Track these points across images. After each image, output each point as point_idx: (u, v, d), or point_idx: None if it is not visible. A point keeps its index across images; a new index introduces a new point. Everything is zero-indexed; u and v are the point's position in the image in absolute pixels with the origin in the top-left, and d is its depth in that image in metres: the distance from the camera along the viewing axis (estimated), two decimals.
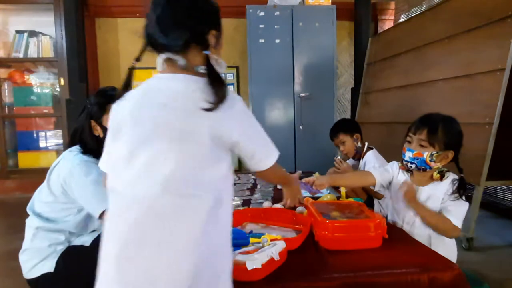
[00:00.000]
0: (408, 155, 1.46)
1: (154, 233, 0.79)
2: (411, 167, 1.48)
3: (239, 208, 1.76)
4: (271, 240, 1.16)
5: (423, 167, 1.44)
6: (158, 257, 0.78)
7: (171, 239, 0.79)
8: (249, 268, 0.97)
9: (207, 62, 0.86)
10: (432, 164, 1.42)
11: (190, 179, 0.81)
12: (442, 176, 1.45)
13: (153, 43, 0.87)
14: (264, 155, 0.94)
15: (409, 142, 1.47)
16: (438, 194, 1.44)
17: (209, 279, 0.82)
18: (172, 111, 0.82)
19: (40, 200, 1.43)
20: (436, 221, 1.40)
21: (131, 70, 0.91)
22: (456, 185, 1.42)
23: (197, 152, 0.81)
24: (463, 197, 1.41)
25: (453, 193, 1.41)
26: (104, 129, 1.47)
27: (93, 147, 1.46)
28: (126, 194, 0.82)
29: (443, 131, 1.40)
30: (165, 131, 0.81)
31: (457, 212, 1.39)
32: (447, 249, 1.43)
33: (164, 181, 0.79)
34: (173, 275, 0.78)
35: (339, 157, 2.40)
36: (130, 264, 0.78)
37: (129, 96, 0.88)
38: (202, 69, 0.86)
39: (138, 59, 0.89)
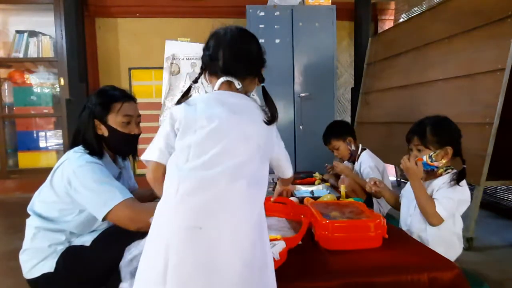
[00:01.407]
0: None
1: (222, 211, 0.90)
2: None
3: None
4: (271, 240, 1.16)
5: (430, 169, 1.52)
6: (224, 232, 0.88)
7: (235, 219, 0.90)
8: None
9: (264, 91, 1.10)
10: (435, 163, 1.49)
11: (253, 171, 0.96)
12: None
13: (216, 68, 1.05)
14: (288, 167, 1.28)
15: (411, 150, 1.57)
16: (436, 185, 1.50)
17: (261, 263, 0.92)
18: (239, 116, 1.00)
19: (41, 200, 1.42)
20: (424, 202, 1.46)
21: (190, 87, 1.07)
22: (455, 175, 1.48)
23: (256, 152, 0.99)
24: (461, 183, 1.46)
25: (449, 182, 1.47)
26: (109, 128, 1.47)
27: (96, 147, 1.45)
28: (199, 176, 0.92)
29: (431, 132, 1.49)
30: (235, 131, 0.97)
31: (444, 201, 1.43)
32: (448, 245, 1.47)
33: (233, 170, 0.93)
34: (236, 248, 0.88)
35: (337, 161, 2.42)
36: (200, 236, 0.86)
37: (195, 101, 1.02)
38: (252, 94, 1.10)
39: (196, 81, 1.09)
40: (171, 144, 0.99)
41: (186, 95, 1.05)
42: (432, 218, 1.43)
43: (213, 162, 0.93)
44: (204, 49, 1.08)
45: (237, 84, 1.04)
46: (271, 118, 1.04)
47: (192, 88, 1.07)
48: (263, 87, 1.12)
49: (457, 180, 1.45)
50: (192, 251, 0.86)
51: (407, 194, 1.62)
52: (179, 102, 1.03)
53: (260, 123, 1.02)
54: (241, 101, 1.04)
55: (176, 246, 0.86)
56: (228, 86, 1.05)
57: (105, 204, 1.30)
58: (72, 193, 1.34)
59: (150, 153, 1.01)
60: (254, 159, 0.98)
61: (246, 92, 1.08)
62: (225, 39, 1.05)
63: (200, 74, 1.09)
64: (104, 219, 1.32)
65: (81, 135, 1.48)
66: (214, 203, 0.90)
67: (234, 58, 1.05)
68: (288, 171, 1.30)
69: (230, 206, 0.91)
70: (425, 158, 1.49)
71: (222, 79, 1.04)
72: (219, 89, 1.05)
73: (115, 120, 1.47)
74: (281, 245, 1.12)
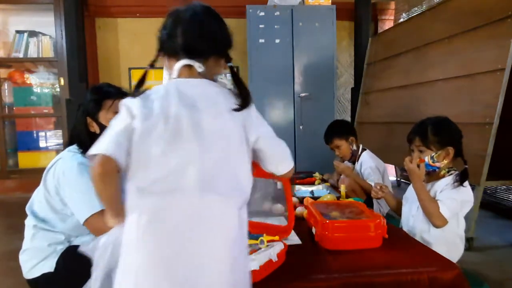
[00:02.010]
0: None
1: (192, 235, 0.81)
2: None
3: None
4: (269, 241, 1.15)
5: (432, 170, 1.52)
6: (202, 254, 0.80)
7: (212, 237, 0.82)
8: None
9: (232, 71, 0.95)
10: (437, 164, 1.49)
11: (226, 178, 0.85)
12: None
13: (175, 46, 0.91)
14: (281, 158, 0.99)
15: (412, 151, 1.57)
16: (439, 186, 1.50)
17: (243, 274, 0.87)
18: (202, 112, 0.85)
19: (38, 200, 1.42)
20: (427, 203, 1.45)
21: (146, 73, 0.93)
22: (458, 176, 1.48)
23: (227, 152, 0.87)
24: (464, 184, 1.45)
25: (453, 183, 1.46)
26: (101, 126, 1.46)
27: (90, 145, 1.44)
28: (161, 198, 0.81)
29: (433, 132, 1.49)
30: (197, 134, 0.84)
31: (448, 202, 1.43)
32: (451, 246, 1.47)
33: (201, 183, 0.82)
34: (217, 269, 0.81)
35: (338, 160, 2.42)
36: (178, 261, 0.79)
37: (152, 100, 0.87)
38: (221, 78, 0.97)
39: (152, 65, 0.94)
40: (130, 139, 0.84)
41: (141, 83, 0.91)
42: (436, 220, 1.42)
43: (176, 176, 0.81)
44: (161, 29, 0.94)
45: (198, 67, 0.90)
46: (243, 102, 0.90)
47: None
48: (231, 67, 0.96)
49: (460, 181, 1.45)
50: (173, 279, 0.78)
51: (409, 195, 1.62)
52: (134, 93, 0.89)
53: (228, 114, 0.88)
54: (204, 89, 0.90)
55: (146, 281, 0.78)
56: (189, 71, 0.92)
57: (87, 210, 1.30)
58: (61, 193, 1.35)
59: (102, 146, 0.83)
60: (225, 162, 0.86)
61: (212, 75, 0.95)
62: (185, 15, 0.92)
63: (156, 57, 0.95)
64: (85, 223, 1.31)
65: (76, 134, 1.47)
66: (182, 228, 0.80)
67: (196, 34, 0.91)
68: (280, 166, 0.99)
69: (201, 227, 0.81)
70: (427, 159, 1.49)
71: (181, 63, 0.90)
72: (179, 75, 0.92)
73: (105, 117, 1.45)
74: (279, 247, 1.12)
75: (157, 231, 0.80)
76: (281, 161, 0.99)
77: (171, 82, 0.91)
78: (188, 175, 0.81)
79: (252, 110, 0.92)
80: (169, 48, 0.92)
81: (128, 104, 0.87)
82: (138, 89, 0.90)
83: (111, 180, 0.83)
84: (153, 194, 0.81)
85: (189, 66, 0.91)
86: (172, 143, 0.82)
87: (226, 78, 0.97)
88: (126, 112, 0.86)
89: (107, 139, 0.84)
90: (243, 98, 0.91)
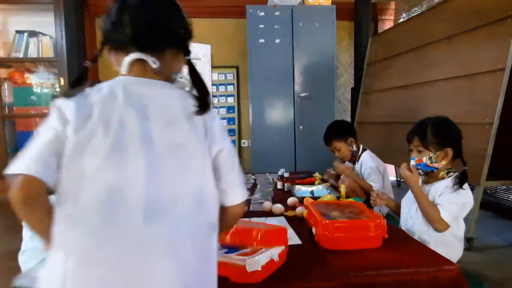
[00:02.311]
0: (411, 163, 1.53)
1: (135, 276, 0.65)
2: (419, 172, 1.54)
3: None
4: None
5: (429, 170, 1.51)
6: None
7: (158, 279, 0.66)
8: (248, 270, 0.97)
9: (191, 67, 0.81)
10: (435, 165, 1.48)
11: (183, 200, 0.70)
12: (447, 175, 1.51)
13: (122, 38, 0.75)
14: (237, 183, 0.81)
15: (411, 151, 1.56)
16: (438, 189, 1.48)
17: None
18: (153, 118, 0.71)
19: None
20: (427, 208, 1.43)
21: (86, 70, 0.79)
22: (457, 178, 1.46)
23: (187, 167, 0.73)
24: (464, 186, 1.44)
25: (452, 186, 1.44)
26: None
27: None
28: (98, 225, 0.65)
29: (432, 133, 1.49)
30: (146, 143, 0.69)
31: (449, 206, 1.41)
32: (449, 247, 1.45)
33: (146, 206, 0.66)
34: None
35: (338, 161, 2.42)
36: None
37: (91, 101, 0.71)
38: (178, 76, 0.83)
39: (94, 60, 0.80)
40: (61, 152, 0.67)
41: (80, 80, 0.76)
42: (437, 224, 1.40)
43: (113, 200, 0.65)
44: (105, 18, 0.77)
45: (152, 62, 0.75)
46: (201, 104, 0.76)
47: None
48: (189, 62, 0.82)
49: (459, 183, 1.43)
50: None
51: (408, 196, 1.61)
52: (70, 93, 0.72)
53: (186, 122, 0.73)
54: (158, 91, 0.76)
55: None
56: (142, 67, 0.76)
57: None
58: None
59: (22, 164, 0.65)
60: (181, 180, 0.71)
61: (170, 73, 0.80)
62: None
63: (100, 51, 0.79)
64: None
65: None
66: (117, 273, 0.64)
67: (148, 22, 0.76)
68: (234, 194, 0.81)
69: (143, 268, 0.65)
70: (424, 159, 1.48)
71: (131, 57, 0.75)
72: (128, 72, 0.76)
73: None
74: (280, 247, 1.12)
75: (86, 282, 0.64)
76: (236, 188, 0.81)
77: (118, 79, 0.75)
78: (130, 198, 0.66)
79: (216, 118, 0.79)
80: (115, 40, 0.77)
81: (60, 106, 0.70)
82: (76, 87, 0.73)
83: (37, 205, 0.67)
84: (84, 226, 0.65)
85: (142, 62, 0.76)
86: (111, 157, 0.67)
87: (185, 78, 0.84)
88: (57, 116, 0.69)
89: (30, 154, 0.67)
90: (202, 99, 0.77)
